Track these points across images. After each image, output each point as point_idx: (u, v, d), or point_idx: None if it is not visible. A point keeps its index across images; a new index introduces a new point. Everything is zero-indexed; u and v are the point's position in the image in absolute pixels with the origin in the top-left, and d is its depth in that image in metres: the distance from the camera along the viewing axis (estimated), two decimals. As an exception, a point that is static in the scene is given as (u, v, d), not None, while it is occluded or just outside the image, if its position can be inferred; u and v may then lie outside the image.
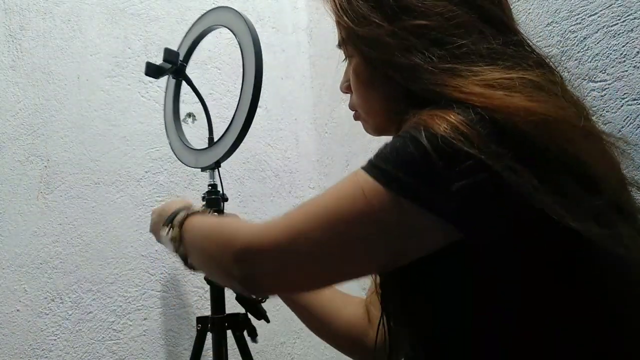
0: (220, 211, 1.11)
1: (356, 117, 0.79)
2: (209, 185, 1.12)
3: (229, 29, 1.11)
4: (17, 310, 1.28)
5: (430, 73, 0.61)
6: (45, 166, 1.36)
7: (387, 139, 0.77)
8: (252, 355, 1.15)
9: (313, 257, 0.60)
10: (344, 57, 0.77)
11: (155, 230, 0.98)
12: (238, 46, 1.08)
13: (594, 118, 0.69)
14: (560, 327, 0.58)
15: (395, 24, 0.65)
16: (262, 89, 1.07)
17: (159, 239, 0.95)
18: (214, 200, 1.11)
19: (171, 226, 0.85)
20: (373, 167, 0.58)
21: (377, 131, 0.76)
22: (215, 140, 1.12)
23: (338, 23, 0.71)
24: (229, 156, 1.09)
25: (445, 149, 0.54)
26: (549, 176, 0.54)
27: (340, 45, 0.75)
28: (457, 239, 0.57)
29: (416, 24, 0.64)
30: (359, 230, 0.58)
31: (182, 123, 1.55)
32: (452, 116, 0.55)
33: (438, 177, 0.54)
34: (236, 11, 1.09)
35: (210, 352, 1.17)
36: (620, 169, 0.66)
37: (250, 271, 0.63)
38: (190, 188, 1.51)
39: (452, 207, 0.54)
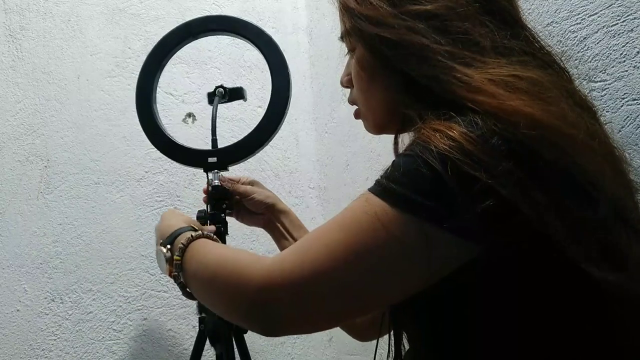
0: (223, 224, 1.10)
1: (356, 116, 0.78)
2: (212, 187, 1.12)
3: (257, 47, 1.13)
4: (17, 310, 1.28)
5: (438, 55, 0.60)
6: (45, 166, 1.36)
7: (385, 142, 0.77)
8: (252, 355, 1.15)
9: (337, 297, 0.57)
10: (346, 50, 0.75)
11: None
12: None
13: (601, 119, 0.68)
14: (561, 336, 0.58)
15: (402, 8, 0.64)
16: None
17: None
18: (220, 203, 1.10)
19: (170, 249, 0.79)
20: (386, 192, 0.56)
21: (377, 128, 0.75)
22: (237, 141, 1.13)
23: (343, 9, 0.70)
24: (241, 161, 1.10)
25: (456, 172, 0.53)
26: (554, 195, 0.53)
27: (343, 38, 0.74)
28: (477, 254, 0.56)
29: (422, 10, 0.63)
30: (385, 262, 0.55)
31: (182, 123, 1.55)
32: (456, 131, 0.54)
33: (455, 199, 0.53)
34: (269, 37, 1.11)
35: (210, 352, 1.17)
36: (627, 174, 0.65)
37: (267, 313, 0.59)
38: (190, 188, 1.51)
39: (474, 226, 0.53)
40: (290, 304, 0.58)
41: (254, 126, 1.11)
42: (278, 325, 0.60)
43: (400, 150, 0.62)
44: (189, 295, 0.78)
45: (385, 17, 0.65)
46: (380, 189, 0.57)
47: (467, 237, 0.54)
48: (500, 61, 0.60)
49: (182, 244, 0.76)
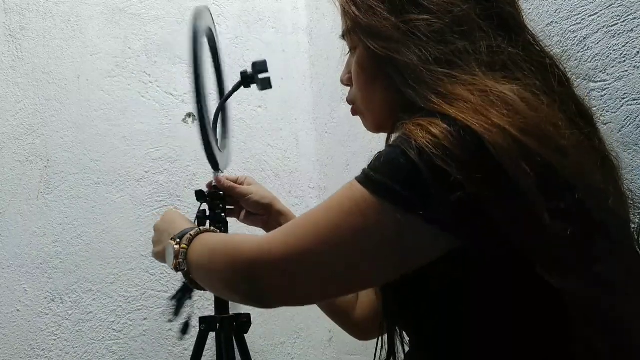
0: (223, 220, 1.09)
1: (354, 112, 0.79)
2: (213, 187, 1.11)
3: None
4: (17, 310, 1.28)
5: (424, 76, 0.62)
6: (45, 166, 1.36)
7: (382, 140, 0.77)
8: (252, 355, 1.15)
9: (318, 272, 0.61)
10: (347, 48, 0.76)
11: (157, 246, 0.95)
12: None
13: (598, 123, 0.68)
14: (551, 326, 0.58)
15: (400, 18, 0.65)
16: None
17: (157, 255, 0.93)
18: (218, 203, 1.10)
19: (179, 242, 0.83)
20: (368, 180, 0.59)
21: (375, 127, 0.76)
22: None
23: (344, 12, 0.71)
24: (211, 158, 1.07)
25: (431, 164, 0.55)
26: (522, 205, 0.54)
27: (344, 36, 0.74)
28: (457, 246, 0.57)
29: (420, 19, 0.64)
30: (360, 244, 0.59)
31: (182, 123, 1.55)
32: (437, 127, 0.56)
33: (430, 190, 0.55)
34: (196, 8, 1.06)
35: (209, 353, 1.17)
36: (617, 180, 0.66)
37: (255, 285, 0.64)
38: (190, 188, 1.51)
39: (447, 218, 0.55)
40: (277, 277, 0.62)
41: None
42: (265, 297, 0.65)
43: None
44: (193, 283, 0.81)
45: (384, 28, 0.66)
46: (363, 176, 0.60)
47: (441, 227, 0.56)
48: (488, 76, 0.61)
49: (191, 234, 0.81)
